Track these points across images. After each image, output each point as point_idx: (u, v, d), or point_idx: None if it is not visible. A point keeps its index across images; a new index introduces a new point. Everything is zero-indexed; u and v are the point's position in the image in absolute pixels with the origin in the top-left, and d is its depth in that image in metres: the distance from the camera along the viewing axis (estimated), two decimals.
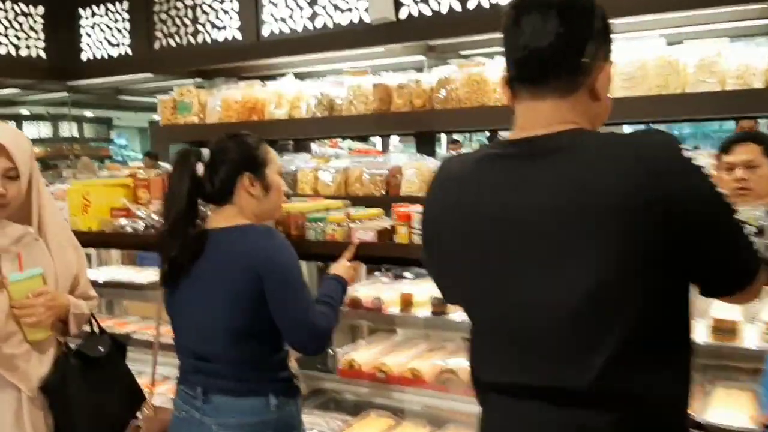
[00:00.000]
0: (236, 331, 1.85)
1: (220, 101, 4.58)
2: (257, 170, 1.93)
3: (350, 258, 2.13)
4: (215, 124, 4.43)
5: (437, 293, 2.38)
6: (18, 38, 5.11)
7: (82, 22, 5.27)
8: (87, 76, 5.28)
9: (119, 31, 5.08)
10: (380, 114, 3.85)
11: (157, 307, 2.09)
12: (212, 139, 1.89)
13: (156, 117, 11.39)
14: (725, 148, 2.41)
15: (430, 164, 3.70)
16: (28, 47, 5.17)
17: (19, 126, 8.97)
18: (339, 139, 7.68)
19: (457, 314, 2.28)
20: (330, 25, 4.12)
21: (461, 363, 2.25)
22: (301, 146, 4.93)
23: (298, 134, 4.41)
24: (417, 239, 2.12)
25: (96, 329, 2.11)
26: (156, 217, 2.55)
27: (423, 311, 2.40)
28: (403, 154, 4.46)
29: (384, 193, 3.74)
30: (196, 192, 1.90)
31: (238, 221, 1.92)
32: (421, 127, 3.86)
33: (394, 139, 8.95)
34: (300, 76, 4.28)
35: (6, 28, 5.03)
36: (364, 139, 8.26)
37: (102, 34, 5.18)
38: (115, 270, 3.35)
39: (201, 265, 1.87)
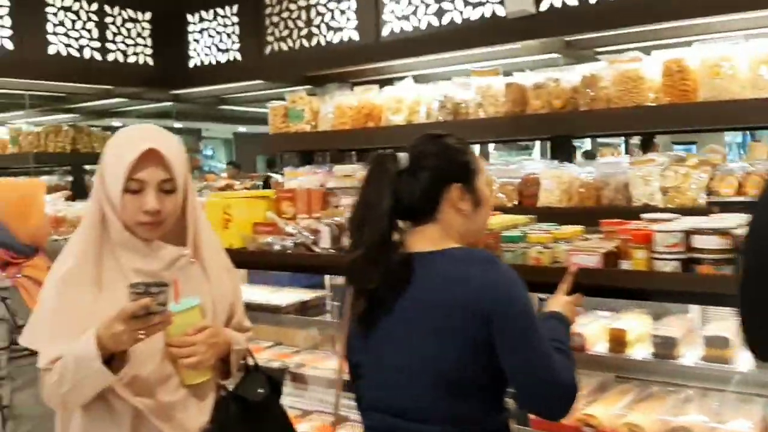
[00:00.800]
0: (450, 383, 1.40)
1: (334, 108, 4.14)
2: (468, 181, 1.43)
3: (568, 290, 1.58)
4: (328, 132, 4.03)
5: (656, 330, 1.85)
6: (126, 45, 4.76)
7: (190, 27, 4.94)
8: (194, 83, 5.00)
9: (228, 36, 4.72)
10: (515, 116, 3.36)
11: (337, 337, 1.56)
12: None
13: (242, 129, 11.12)
14: None
15: (573, 172, 3.18)
16: (135, 54, 4.84)
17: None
18: None
19: (689, 358, 1.71)
20: (459, 21, 3.60)
21: (695, 419, 1.68)
22: None
23: None
24: (663, 266, 1.56)
25: (251, 365, 1.73)
26: (307, 234, 2.06)
27: (640, 352, 1.83)
28: (539, 162, 3.96)
29: (516, 203, 3.21)
30: (397, 207, 1.39)
31: (446, 244, 1.41)
32: (563, 130, 3.33)
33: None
34: (416, 79, 3.90)
35: (114, 34, 4.69)
36: None
37: (210, 40, 4.80)
38: (246, 290, 2.88)
39: (405, 299, 1.36)
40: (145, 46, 5.17)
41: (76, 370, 1.41)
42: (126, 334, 1.37)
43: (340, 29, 4.25)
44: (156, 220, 1.51)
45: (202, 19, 5.06)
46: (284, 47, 4.56)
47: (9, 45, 4.36)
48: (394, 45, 4.00)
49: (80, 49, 4.74)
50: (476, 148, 7.00)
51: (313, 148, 4.46)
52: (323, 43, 4.35)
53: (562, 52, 3.79)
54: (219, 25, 4.95)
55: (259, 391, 1.65)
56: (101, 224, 1.53)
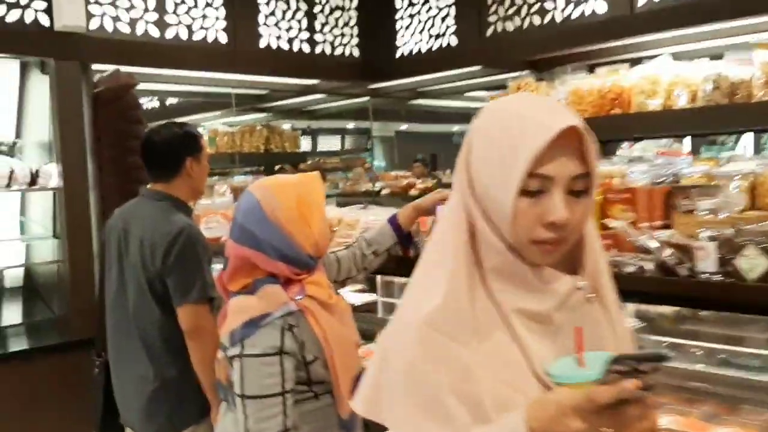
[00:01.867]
0: None
1: (568, 93, 3.59)
2: None
3: None
4: None
5: None
6: (333, 35, 4.49)
7: (398, 14, 4.54)
8: (401, 74, 4.65)
9: (442, 20, 4.28)
10: None
11: None
12: None
13: (404, 127, 10.86)
14: None
15: None
16: (342, 45, 4.60)
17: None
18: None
19: None
20: None
21: None
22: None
23: (684, 129, 3.27)
24: None
25: None
26: (670, 252, 1.53)
27: None
28: None
29: None
30: None
31: None
32: None
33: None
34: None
35: (322, 25, 4.41)
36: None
37: (421, 26, 4.38)
38: None
39: None
40: (352, 36, 4.91)
41: None
42: None
43: (583, 2, 3.69)
44: (561, 236, 1.03)
45: (411, 3, 4.68)
46: (509, 27, 4.06)
47: (223, 38, 4.20)
48: (653, 17, 3.41)
49: (290, 41, 4.54)
50: (665, 142, 6.14)
51: None
52: (559, 19, 3.82)
53: None
54: (432, 8, 4.53)
55: None
56: (470, 242, 1.07)
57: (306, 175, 1.84)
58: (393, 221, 2.21)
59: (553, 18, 3.88)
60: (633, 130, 3.49)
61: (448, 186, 6.83)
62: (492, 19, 4.19)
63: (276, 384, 1.59)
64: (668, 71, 3.44)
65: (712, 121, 3.15)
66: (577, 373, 1.00)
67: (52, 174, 3.65)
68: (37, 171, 3.65)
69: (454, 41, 4.46)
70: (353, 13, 4.91)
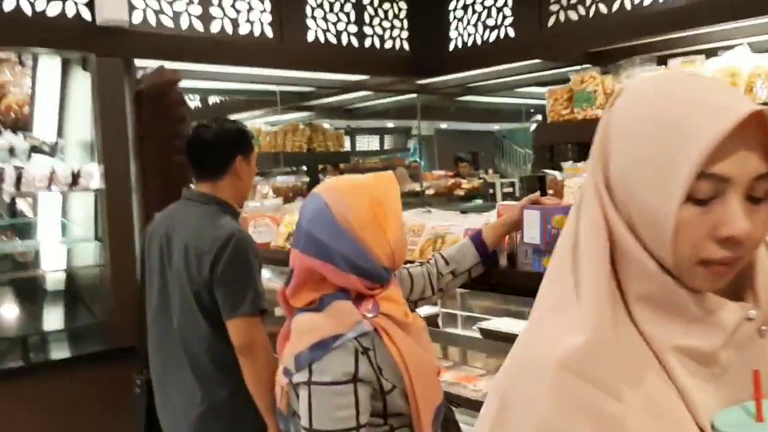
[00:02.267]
0: None
1: None
2: None
3: None
4: None
5: None
6: (383, 29, 4.27)
7: (451, 4, 4.33)
8: (453, 69, 4.39)
9: (498, 10, 4.03)
10: None
11: None
12: None
13: (444, 125, 10.63)
14: None
15: None
16: (392, 38, 4.38)
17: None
18: None
19: None
20: None
21: None
22: None
23: None
24: None
25: None
26: None
27: None
28: None
29: None
30: None
31: None
32: None
33: None
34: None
35: (371, 17, 4.19)
36: None
37: (475, 17, 4.14)
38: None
39: None
40: (401, 29, 4.69)
41: None
42: None
43: None
44: (738, 254, 0.79)
45: None
46: (573, 17, 3.82)
47: (269, 32, 4.04)
48: (735, 3, 3.13)
49: (338, 34, 4.33)
50: None
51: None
52: (629, 7, 3.54)
53: None
54: None
55: None
56: (610, 262, 0.84)
57: (379, 175, 1.63)
58: (476, 239, 1.93)
59: (622, 5, 3.62)
60: None
61: (492, 185, 6.47)
62: (554, 8, 3.96)
63: (350, 417, 1.40)
64: (748, 63, 3.18)
65: None
66: (758, 430, 0.79)
67: (94, 174, 3.54)
68: (78, 171, 3.54)
69: (511, 33, 4.24)
70: (403, 5, 4.70)
